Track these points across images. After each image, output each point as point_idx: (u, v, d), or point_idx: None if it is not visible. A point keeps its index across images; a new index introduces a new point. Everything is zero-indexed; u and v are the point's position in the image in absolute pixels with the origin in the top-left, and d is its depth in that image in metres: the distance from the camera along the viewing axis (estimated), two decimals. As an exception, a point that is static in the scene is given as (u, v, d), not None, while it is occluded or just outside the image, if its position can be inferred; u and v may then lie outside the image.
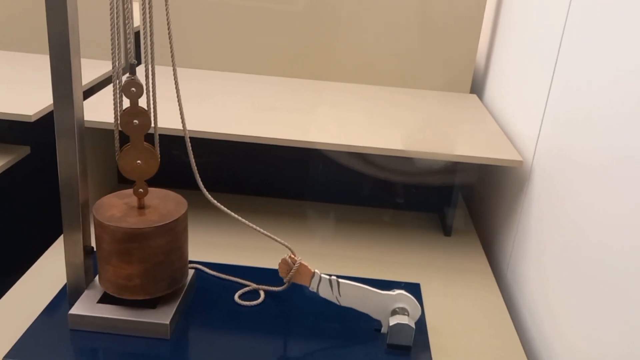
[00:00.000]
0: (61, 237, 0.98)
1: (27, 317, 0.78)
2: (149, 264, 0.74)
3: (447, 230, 1.10)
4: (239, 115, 1.01)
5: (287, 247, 0.82)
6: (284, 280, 0.82)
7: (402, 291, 0.78)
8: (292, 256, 0.81)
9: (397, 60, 1.28)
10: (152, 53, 0.68)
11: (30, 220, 1.22)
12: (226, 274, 0.89)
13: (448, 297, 0.91)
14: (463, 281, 0.96)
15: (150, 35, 0.67)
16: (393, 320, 0.77)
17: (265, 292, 0.86)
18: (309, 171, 1.16)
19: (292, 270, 0.80)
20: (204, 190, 0.78)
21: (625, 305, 0.63)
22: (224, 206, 0.80)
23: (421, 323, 0.82)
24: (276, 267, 0.82)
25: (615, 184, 0.68)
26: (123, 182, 1.17)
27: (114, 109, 0.70)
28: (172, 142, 0.94)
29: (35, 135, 1.14)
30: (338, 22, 1.25)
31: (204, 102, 1.07)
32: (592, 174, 0.74)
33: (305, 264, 0.80)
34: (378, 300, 0.79)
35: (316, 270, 0.80)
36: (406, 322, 0.76)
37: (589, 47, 0.79)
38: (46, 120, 1.03)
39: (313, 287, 0.80)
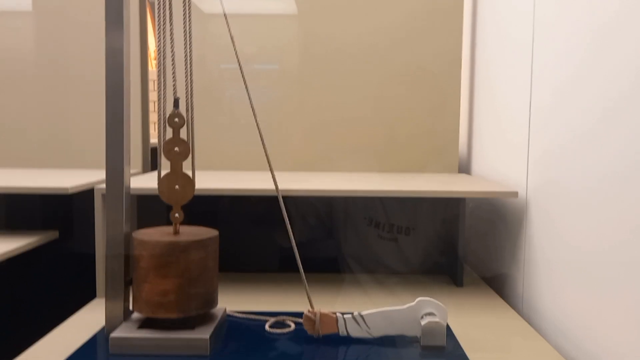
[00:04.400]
0: (92, 302, 1.01)
1: (65, 353, 0.79)
2: (183, 279, 0.78)
3: (458, 282, 1.15)
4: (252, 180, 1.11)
5: (308, 298, 0.83)
6: (314, 336, 0.83)
7: (421, 297, 0.82)
8: (310, 310, 0.83)
9: (397, 149, 1.43)
10: (191, 88, 0.80)
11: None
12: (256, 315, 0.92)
13: (468, 318, 0.94)
14: (480, 309, 1.00)
15: (190, 73, 0.80)
16: (423, 322, 0.80)
17: (296, 322, 0.88)
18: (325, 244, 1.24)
19: (317, 323, 0.83)
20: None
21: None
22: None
23: (448, 329, 0.84)
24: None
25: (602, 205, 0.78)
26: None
27: (158, 137, 0.80)
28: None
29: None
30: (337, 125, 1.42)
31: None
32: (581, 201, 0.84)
33: (325, 311, 0.83)
34: (404, 315, 0.82)
35: (337, 313, 0.83)
36: (437, 319, 0.79)
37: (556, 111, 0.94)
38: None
39: (342, 331, 0.83)
